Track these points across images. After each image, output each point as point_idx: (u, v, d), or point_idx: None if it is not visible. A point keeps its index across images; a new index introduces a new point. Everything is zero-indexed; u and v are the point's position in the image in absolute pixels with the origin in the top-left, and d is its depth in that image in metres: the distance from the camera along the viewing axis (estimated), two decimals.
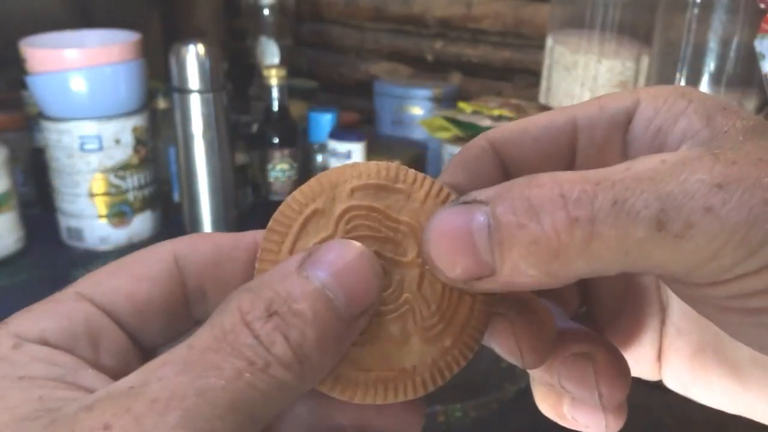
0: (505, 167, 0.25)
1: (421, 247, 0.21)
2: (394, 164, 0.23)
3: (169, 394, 0.17)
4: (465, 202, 0.20)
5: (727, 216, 0.18)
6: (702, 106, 0.22)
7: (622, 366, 0.25)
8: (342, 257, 0.20)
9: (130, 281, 0.22)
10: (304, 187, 0.23)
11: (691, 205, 0.19)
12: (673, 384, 0.27)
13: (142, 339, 0.23)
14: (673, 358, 0.27)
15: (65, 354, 0.20)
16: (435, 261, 0.20)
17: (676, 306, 0.27)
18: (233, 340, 0.18)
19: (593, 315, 0.28)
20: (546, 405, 0.26)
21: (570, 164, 0.25)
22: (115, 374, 0.20)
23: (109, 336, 0.22)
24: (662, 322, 0.27)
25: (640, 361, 0.27)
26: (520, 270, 0.19)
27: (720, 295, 0.20)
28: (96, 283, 0.22)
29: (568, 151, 0.24)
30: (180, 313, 0.23)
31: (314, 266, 0.20)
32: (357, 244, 0.21)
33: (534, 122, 0.25)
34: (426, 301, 0.22)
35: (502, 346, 0.24)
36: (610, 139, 0.24)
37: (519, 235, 0.19)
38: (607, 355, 0.25)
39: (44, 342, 0.20)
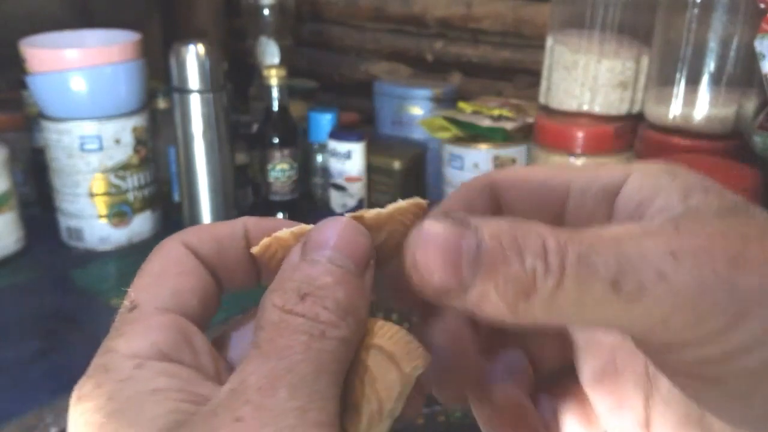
0: (500, 209, 0.27)
1: (407, 246, 0.22)
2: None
3: (266, 380, 0.20)
4: (453, 219, 0.22)
5: (678, 283, 0.20)
6: (684, 183, 0.23)
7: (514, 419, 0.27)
8: (333, 232, 0.23)
9: (182, 280, 0.25)
10: None
11: (645, 269, 0.20)
12: None
13: (202, 325, 0.25)
14: (660, 427, 0.27)
15: (179, 366, 0.22)
16: (418, 262, 0.22)
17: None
18: (286, 327, 0.21)
19: (579, 372, 0.29)
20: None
21: (558, 222, 0.26)
22: (212, 374, 0.23)
23: (199, 339, 0.24)
24: (650, 389, 0.28)
25: (627, 426, 0.28)
26: (489, 298, 0.21)
27: (678, 361, 0.21)
28: (158, 295, 0.24)
29: (559, 209, 0.26)
30: (212, 295, 0.26)
31: (315, 249, 0.23)
32: (336, 218, 0.24)
33: (535, 174, 0.27)
34: None
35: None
36: (598, 207, 0.25)
37: (502, 267, 0.20)
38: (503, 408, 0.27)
39: (161, 357, 0.22)
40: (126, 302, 0.24)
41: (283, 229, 0.24)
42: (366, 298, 0.23)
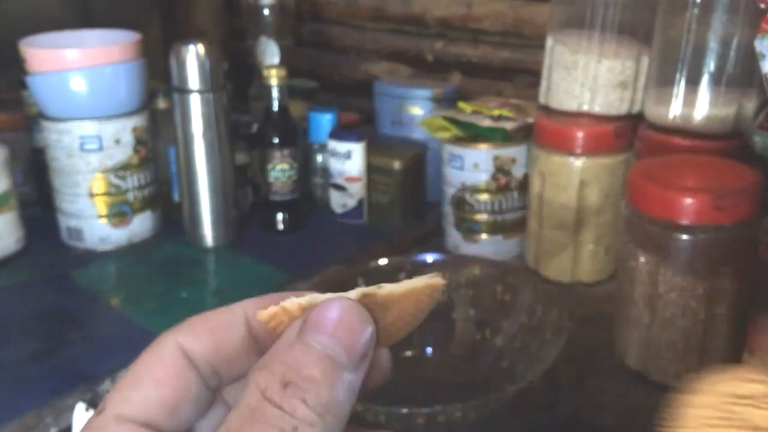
0: None
1: None
2: None
3: None
4: None
5: None
6: None
7: None
8: (333, 315, 0.23)
9: (156, 388, 0.24)
10: None
11: None
12: None
13: None
14: None
15: None
16: None
17: None
18: (260, 415, 0.21)
19: None
20: None
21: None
22: None
23: None
24: None
25: None
26: None
27: None
28: (126, 400, 0.24)
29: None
30: (203, 396, 0.25)
31: (312, 331, 0.22)
32: (342, 300, 0.23)
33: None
34: None
35: None
36: None
37: None
38: None
39: None
40: (101, 404, 0.24)
41: (292, 299, 0.24)
42: (354, 394, 0.23)
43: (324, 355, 0.22)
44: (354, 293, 0.24)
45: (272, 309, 0.24)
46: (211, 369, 0.25)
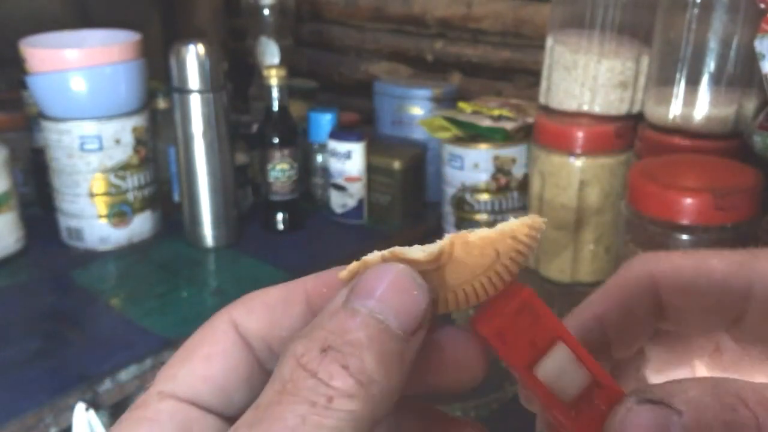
0: (661, 307, 0.24)
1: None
2: None
3: None
4: (651, 401, 0.20)
5: None
6: None
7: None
8: (383, 280, 0.20)
9: (204, 364, 0.22)
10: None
11: None
12: None
13: (231, 414, 0.23)
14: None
15: None
16: None
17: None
18: (292, 387, 0.18)
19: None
20: None
21: (735, 330, 0.24)
22: None
23: (200, 425, 0.22)
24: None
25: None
26: None
27: None
28: (172, 377, 0.22)
29: (737, 314, 0.24)
30: (258, 377, 0.23)
31: (359, 297, 0.20)
32: (395, 263, 0.21)
33: (707, 271, 0.24)
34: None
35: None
36: None
37: None
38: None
39: None
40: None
41: (375, 252, 0.22)
42: (404, 368, 0.20)
43: (371, 319, 0.19)
44: (437, 245, 0.22)
45: (353, 265, 0.22)
46: (267, 348, 0.23)
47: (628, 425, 0.19)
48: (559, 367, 0.22)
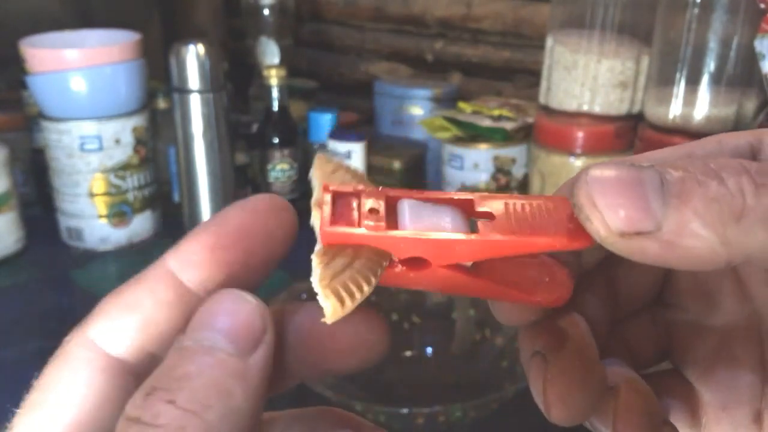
0: None
1: (576, 191, 0.19)
2: None
3: None
4: (618, 163, 0.19)
5: None
6: None
7: (646, 407, 0.23)
8: (210, 311, 0.19)
9: (61, 411, 0.22)
10: None
11: None
12: None
13: None
14: None
15: None
16: (597, 203, 0.18)
17: None
18: None
19: (682, 368, 0.26)
20: None
21: None
22: None
23: None
24: (764, 381, 0.24)
25: (736, 422, 0.25)
26: (690, 229, 0.17)
27: None
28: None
29: None
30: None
31: (187, 334, 0.19)
32: (219, 293, 0.19)
33: (648, 156, 0.24)
34: None
35: (532, 388, 0.22)
36: None
37: (698, 190, 0.17)
38: (631, 395, 0.23)
39: None
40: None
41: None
42: (252, 382, 0.18)
43: (198, 348, 0.18)
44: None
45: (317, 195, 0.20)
46: (148, 356, 0.21)
47: (595, 175, 0.19)
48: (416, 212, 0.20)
